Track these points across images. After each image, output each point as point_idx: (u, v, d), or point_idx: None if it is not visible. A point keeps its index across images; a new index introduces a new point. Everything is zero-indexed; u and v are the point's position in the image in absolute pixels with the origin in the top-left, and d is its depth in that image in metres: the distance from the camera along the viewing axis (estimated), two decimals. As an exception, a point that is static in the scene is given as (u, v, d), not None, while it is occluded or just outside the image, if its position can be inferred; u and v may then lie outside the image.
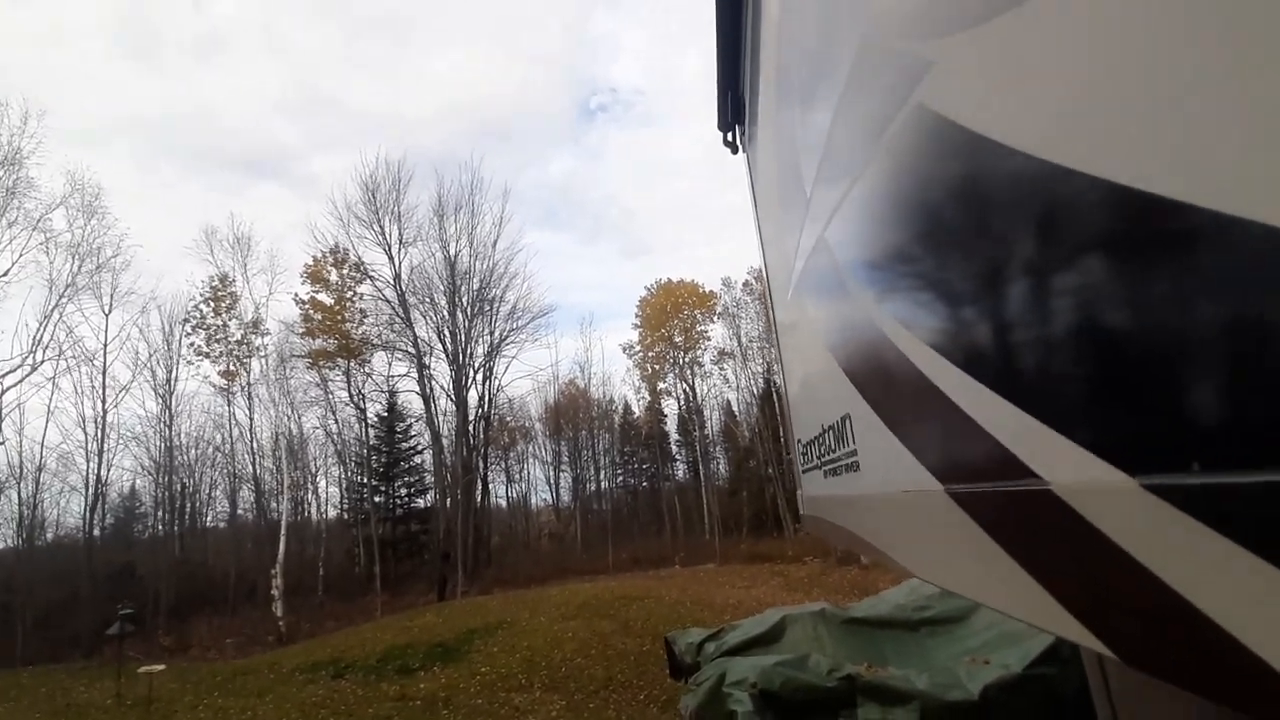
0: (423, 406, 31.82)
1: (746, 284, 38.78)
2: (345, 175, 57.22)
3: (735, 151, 2.92)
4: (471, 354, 32.73)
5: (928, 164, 0.75)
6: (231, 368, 31.67)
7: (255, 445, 33.89)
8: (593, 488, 43.58)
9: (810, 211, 1.53)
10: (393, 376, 34.25)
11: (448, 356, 32.00)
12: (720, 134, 2.93)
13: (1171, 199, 0.38)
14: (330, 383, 32.84)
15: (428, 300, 32.00)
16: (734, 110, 2.78)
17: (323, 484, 38.61)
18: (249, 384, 32.59)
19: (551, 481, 43.10)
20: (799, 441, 2.22)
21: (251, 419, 33.16)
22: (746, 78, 2.56)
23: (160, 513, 33.76)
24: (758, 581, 17.76)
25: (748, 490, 36.79)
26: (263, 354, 30.62)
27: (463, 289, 32.49)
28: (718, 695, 3.51)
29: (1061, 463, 0.52)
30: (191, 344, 31.23)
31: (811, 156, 1.45)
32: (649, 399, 43.94)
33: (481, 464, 34.94)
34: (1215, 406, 0.38)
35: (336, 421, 34.88)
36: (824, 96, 1.22)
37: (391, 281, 30.90)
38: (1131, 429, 0.45)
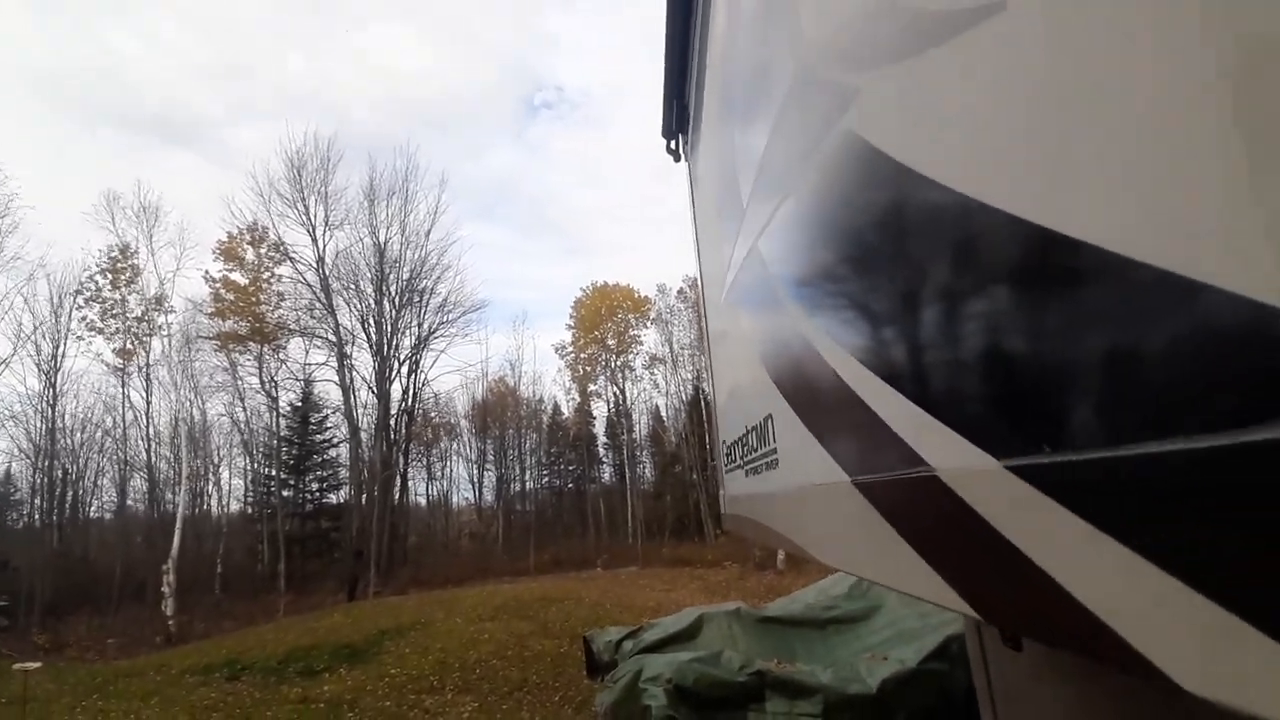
0: (341, 398, 30.46)
1: (680, 291, 39.31)
2: (269, 149, 53.87)
3: (678, 159, 3.00)
4: (397, 346, 31.62)
5: (852, 186, 0.83)
6: (128, 346, 29.30)
7: (151, 431, 31.48)
8: (517, 488, 42.96)
9: (745, 223, 1.61)
10: (310, 364, 32.62)
11: (371, 347, 30.80)
12: (664, 141, 3.01)
13: (1029, 222, 0.46)
14: (240, 368, 30.93)
15: (353, 287, 30.71)
16: (678, 119, 2.86)
17: (225, 475, 36.30)
18: (147, 365, 30.24)
19: (475, 480, 42.19)
20: (724, 443, 2.31)
21: (149, 402, 30.77)
22: (692, 88, 2.65)
23: (38, 500, 30.70)
24: (678, 585, 18.02)
25: (672, 495, 37.25)
26: (165, 333, 28.42)
27: (391, 277, 31.37)
28: (633, 691, 3.58)
29: (946, 451, 0.60)
30: (84, 318, 28.63)
31: (749, 170, 1.53)
32: (579, 400, 43.80)
33: (402, 460, 33.77)
34: (1058, 398, 0.46)
35: (244, 409, 32.87)
36: (762, 114, 1.30)
37: (314, 265, 29.48)
38: (997, 418, 0.53)
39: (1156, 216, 0.35)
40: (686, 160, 2.91)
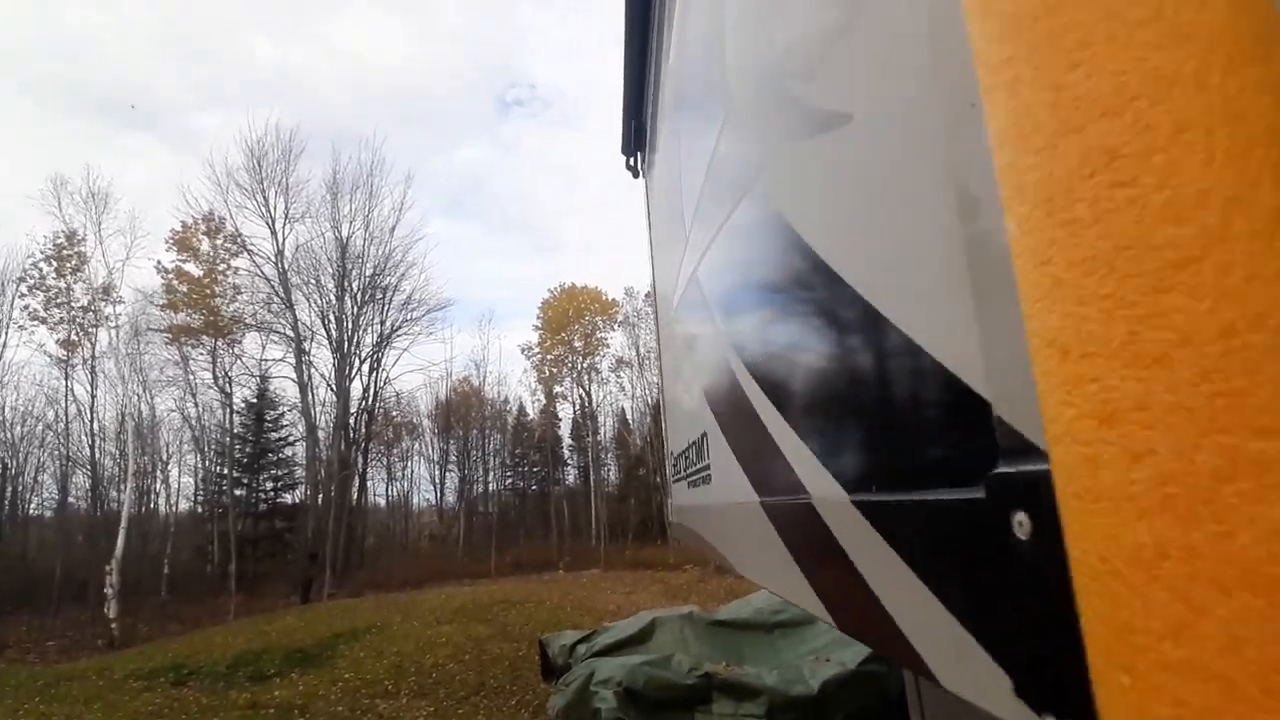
0: (299, 395, 29.71)
1: (648, 294, 39.43)
2: (228, 137, 52.20)
3: (636, 176, 3.10)
4: (359, 343, 30.98)
5: (759, 238, 0.93)
6: (73, 337, 28.12)
7: (96, 426, 30.24)
8: (480, 489, 42.50)
9: (688, 249, 1.70)
10: (266, 360, 31.75)
11: (331, 344, 30.12)
12: (624, 158, 3.10)
13: (860, 297, 0.55)
14: (192, 362, 29.93)
15: (313, 282, 29.99)
16: (636, 138, 2.95)
17: (175, 473, 35.06)
18: (93, 356, 29.06)
19: (437, 481, 41.61)
20: (671, 454, 2.40)
21: (94, 396, 29.56)
22: (648, 110, 2.74)
23: (-28, 497, 29.24)
24: (639, 587, 18.07)
25: (636, 498, 37.33)
26: (113, 324, 27.32)
27: (354, 273, 30.74)
28: (584, 694, 3.64)
29: (817, 482, 0.70)
30: (26, 307, 27.40)
31: (691, 199, 1.63)
32: (544, 402, 43.59)
33: (361, 460, 33.09)
34: (875, 448, 0.55)
35: (196, 405, 31.81)
36: (700, 153, 1.40)
37: (273, 258, 28.72)
38: (846, 458, 0.63)
39: (921, 306, 0.45)
40: (643, 177, 3.00)
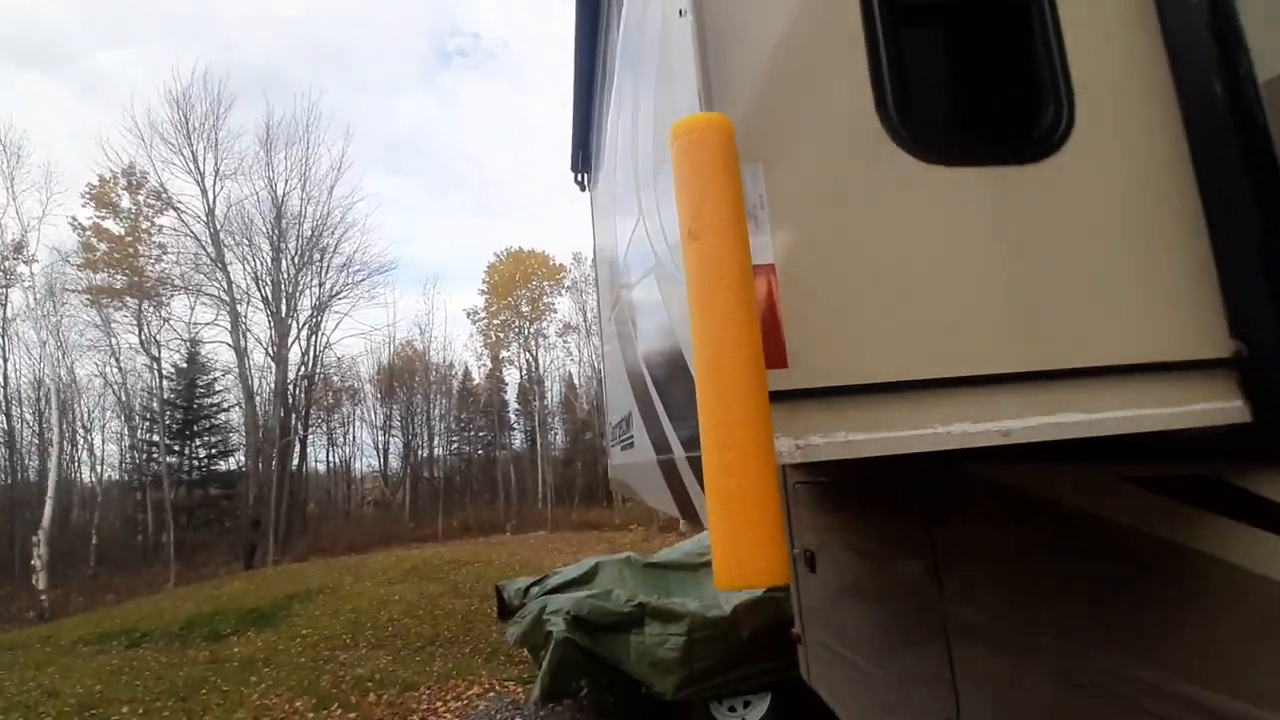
0: (234, 360, 28.80)
1: (594, 268, 39.48)
2: (146, 83, 48.41)
3: (582, 190, 3.61)
4: (296, 306, 30.08)
5: (644, 268, 1.51)
6: (-18, 298, 26.37)
7: (10, 391, 28.64)
8: (425, 454, 42.41)
9: (620, 265, 2.28)
10: (196, 324, 30.53)
11: (268, 307, 29.17)
12: (571, 174, 3.60)
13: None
14: (116, 325, 28.47)
15: (246, 242, 28.77)
16: (583, 160, 3.46)
17: (98, 440, 33.61)
18: (3, 319, 27.36)
19: (380, 446, 41.27)
20: (609, 422, 3.01)
21: (5, 360, 27.94)
22: (594, 137, 3.25)
23: None
24: (585, 547, 18.83)
25: (582, 461, 38.14)
26: (27, 284, 25.66)
27: (290, 234, 29.65)
28: (538, 622, 4.32)
29: (675, 446, 1.30)
30: (-76, 265, 25.44)
31: (623, 223, 2.19)
32: (490, 366, 43.51)
33: (301, 426, 32.51)
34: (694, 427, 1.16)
35: (119, 369, 30.41)
36: (624, 194, 1.96)
37: (203, 216, 27.39)
38: (681, 430, 1.23)
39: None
40: (589, 192, 3.52)
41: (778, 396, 0.94)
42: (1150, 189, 1.10)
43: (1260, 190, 1.03)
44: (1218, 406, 1.05)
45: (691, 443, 1.15)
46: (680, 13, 1.00)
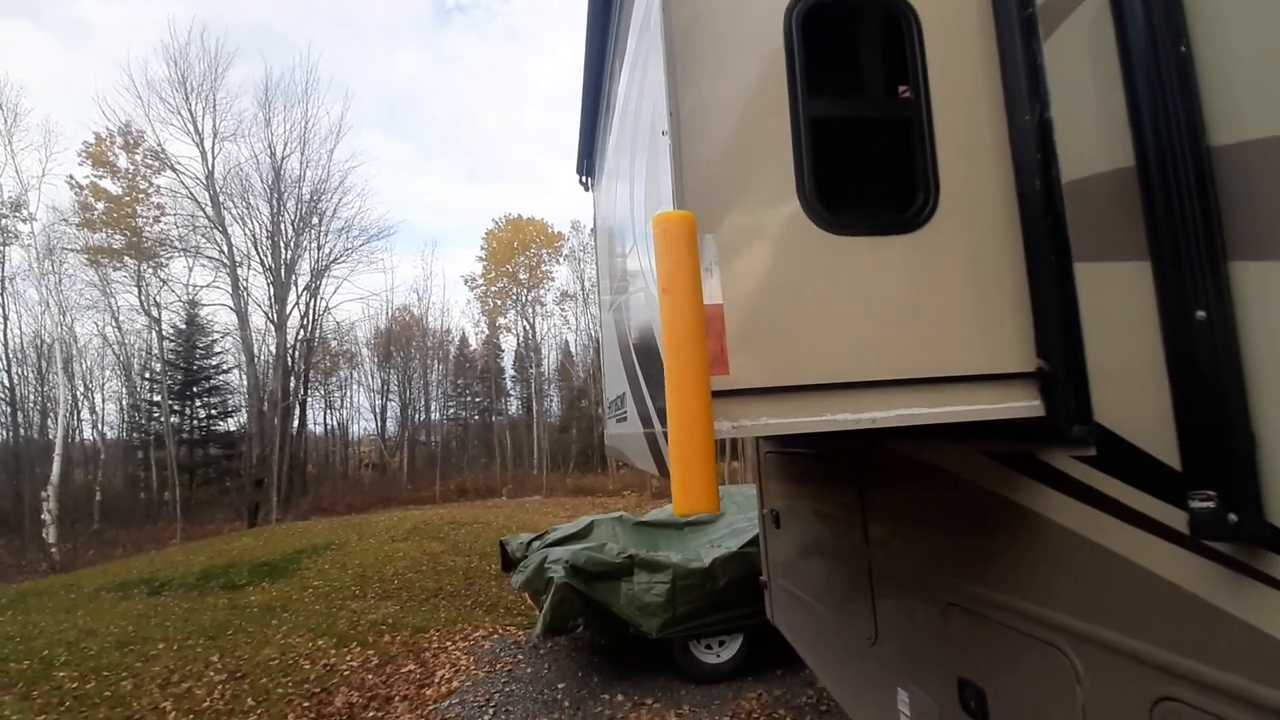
0: (233, 322, 29.15)
1: (594, 230, 39.57)
2: (139, 38, 47.45)
3: (586, 190, 4.02)
4: (296, 270, 30.31)
5: (638, 282, 1.97)
6: (-20, 256, 26.50)
7: (13, 350, 28.97)
8: (422, 418, 43.07)
9: (614, 271, 2.74)
10: (195, 286, 30.76)
11: (267, 270, 29.40)
12: (577, 175, 4.01)
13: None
14: (114, 284, 28.65)
15: (245, 205, 28.84)
16: (589, 165, 3.87)
17: (98, 400, 34.06)
18: (2, 277, 27.54)
19: (377, 410, 41.87)
20: (606, 398, 3.50)
21: (6, 318, 28.20)
22: (599, 142, 3.65)
23: (-126, 422, 27.85)
24: (580, 512, 19.51)
25: (578, 428, 38.87)
26: (27, 243, 25.77)
27: (289, 197, 29.71)
28: (540, 570, 4.89)
29: (657, 421, 1.77)
30: (-79, 222, 25.50)
31: (622, 222, 2.64)
32: (488, 333, 43.93)
33: (301, 389, 33.02)
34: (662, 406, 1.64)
35: (119, 330, 30.70)
36: (622, 190, 2.41)
37: (202, 179, 27.42)
38: (658, 409, 1.71)
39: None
40: (593, 192, 3.94)
41: (721, 394, 1.43)
42: (988, 253, 1.57)
43: (1058, 258, 1.50)
44: (1023, 404, 1.55)
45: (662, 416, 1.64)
46: (662, 133, 1.45)
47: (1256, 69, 1.10)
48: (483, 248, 42.62)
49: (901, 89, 1.66)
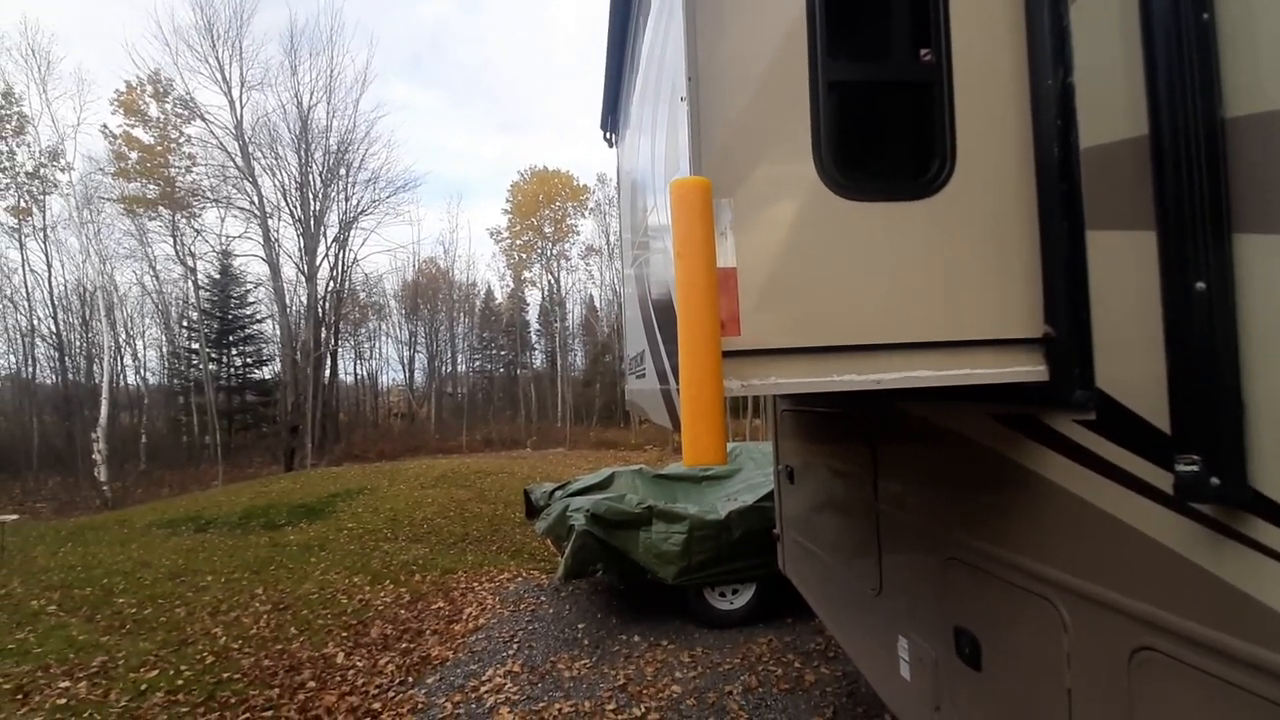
0: (265, 272, 29.71)
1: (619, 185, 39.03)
2: (161, -18, 47.02)
3: (610, 145, 4.02)
4: (325, 221, 30.60)
5: (659, 243, 2.03)
6: (22, 203, 27.22)
7: (58, 297, 30.01)
8: (448, 370, 43.85)
9: (635, 227, 2.78)
10: (227, 236, 31.30)
11: (297, 222, 29.74)
12: (601, 131, 3.99)
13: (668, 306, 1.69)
14: (150, 234, 29.27)
15: (273, 155, 29.00)
16: (613, 120, 3.86)
17: (139, 346, 35.29)
18: (45, 226, 28.30)
19: (405, 361, 42.72)
20: (627, 355, 3.59)
21: (50, 266, 29.11)
22: (624, 97, 3.63)
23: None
24: (602, 464, 19.82)
25: (601, 383, 39.25)
26: (66, 192, 26.36)
27: (316, 147, 29.78)
28: (562, 518, 5.10)
29: (672, 379, 1.85)
30: (-36, 170, 26.18)
31: (644, 180, 2.67)
32: (513, 287, 44.12)
33: (332, 339, 33.76)
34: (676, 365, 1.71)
35: (156, 279, 31.52)
36: (644, 148, 2.43)
37: (231, 128, 27.56)
38: (670, 367, 1.79)
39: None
40: (617, 147, 3.93)
41: (732, 354, 1.49)
42: (1002, 220, 1.59)
43: (1071, 225, 1.52)
44: (1028, 369, 1.59)
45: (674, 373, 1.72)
46: (681, 99, 1.48)
47: (1278, 41, 1.10)
48: (508, 200, 42.43)
49: (924, 52, 1.65)
